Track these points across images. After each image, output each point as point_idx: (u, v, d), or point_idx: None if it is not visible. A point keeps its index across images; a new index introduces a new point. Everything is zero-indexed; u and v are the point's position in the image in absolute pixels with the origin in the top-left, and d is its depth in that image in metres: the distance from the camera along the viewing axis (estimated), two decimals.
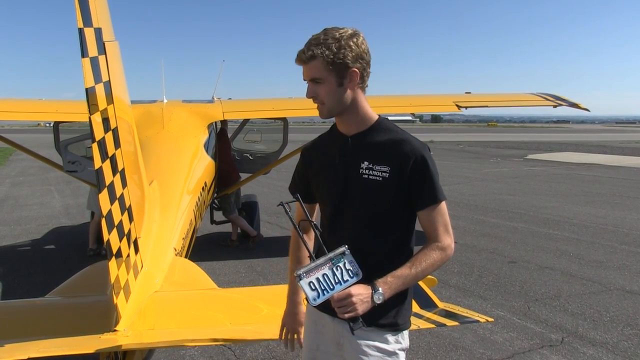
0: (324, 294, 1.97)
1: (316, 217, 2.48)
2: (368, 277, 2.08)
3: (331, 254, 2.03)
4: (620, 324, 5.54)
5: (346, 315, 1.99)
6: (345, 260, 2.03)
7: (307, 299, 2.00)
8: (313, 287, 1.97)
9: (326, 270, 2.00)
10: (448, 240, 2.26)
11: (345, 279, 2.00)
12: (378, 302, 2.04)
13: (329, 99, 2.21)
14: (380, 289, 2.05)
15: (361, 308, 2.00)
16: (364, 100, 2.28)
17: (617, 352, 4.87)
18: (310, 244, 2.37)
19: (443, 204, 2.25)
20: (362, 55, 2.19)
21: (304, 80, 2.25)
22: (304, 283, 1.97)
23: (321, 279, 1.98)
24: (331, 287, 1.98)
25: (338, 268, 2.01)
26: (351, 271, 2.01)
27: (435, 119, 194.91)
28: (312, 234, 2.47)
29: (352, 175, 2.26)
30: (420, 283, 3.18)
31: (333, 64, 2.14)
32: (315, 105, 2.28)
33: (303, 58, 2.19)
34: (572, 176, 20.44)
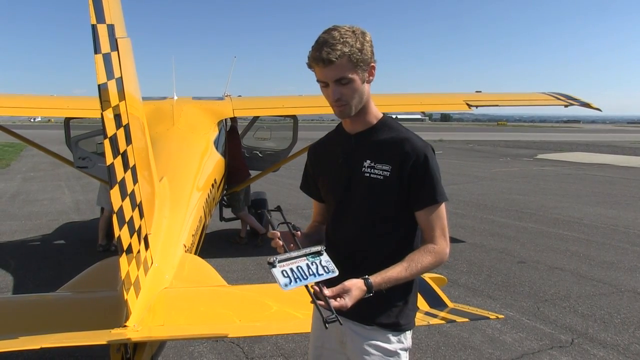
0: (296, 282, 1.95)
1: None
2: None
3: (306, 250, 2.03)
4: (631, 326, 5.49)
5: (337, 303, 1.94)
6: (321, 259, 2.02)
7: (278, 285, 1.96)
8: (286, 275, 1.95)
9: (301, 263, 1.99)
10: (443, 244, 2.22)
11: (320, 273, 1.99)
12: (369, 294, 2.02)
13: (354, 98, 2.17)
14: (370, 279, 2.04)
15: (355, 294, 1.98)
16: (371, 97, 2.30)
17: (628, 355, 4.83)
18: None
19: (442, 207, 2.23)
20: (373, 50, 2.19)
21: (322, 81, 2.16)
22: (276, 271, 1.96)
23: (295, 270, 1.97)
24: (305, 277, 1.96)
25: (314, 263, 2.00)
26: (327, 267, 2.01)
27: (445, 117, 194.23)
28: (323, 230, 2.48)
29: (354, 174, 2.27)
30: (430, 282, 3.19)
31: (359, 60, 2.11)
32: (332, 104, 2.22)
33: (329, 58, 2.06)
34: (583, 176, 20.29)
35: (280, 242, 2.09)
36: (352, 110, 2.21)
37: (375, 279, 2.05)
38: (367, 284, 2.02)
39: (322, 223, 2.52)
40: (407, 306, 2.31)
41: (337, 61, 2.07)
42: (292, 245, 2.10)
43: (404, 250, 2.22)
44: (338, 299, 1.95)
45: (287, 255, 2.01)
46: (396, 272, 2.10)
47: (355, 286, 1.99)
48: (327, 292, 1.94)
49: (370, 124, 2.29)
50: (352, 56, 2.08)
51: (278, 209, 2.24)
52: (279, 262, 1.98)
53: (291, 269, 1.97)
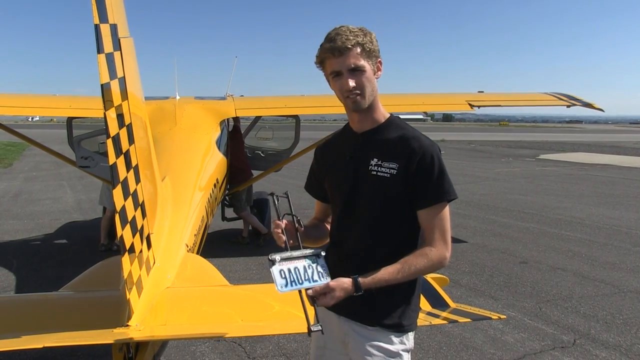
0: (291, 286, 1.98)
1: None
2: None
3: (306, 251, 2.05)
4: (633, 327, 5.48)
5: (322, 302, 2.01)
6: (318, 264, 2.04)
7: (275, 284, 1.99)
8: (283, 276, 1.98)
9: (299, 264, 2.01)
10: (442, 248, 2.20)
11: (314, 279, 2.01)
12: (358, 292, 2.07)
13: (367, 87, 2.20)
14: (359, 279, 2.07)
15: (339, 294, 2.03)
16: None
17: (630, 356, 4.82)
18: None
19: (446, 210, 2.22)
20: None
21: (336, 71, 2.18)
22: (275, 269, 1.98)
23: (292, 271, 1.99)
24: (300, 281, 1.99)
25: (310, 267, 2.02)
26: (321, 274, 2.02)
27: (447, 117, 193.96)
28: (322, 227, 2.50)
29: (361, 172, 2.27)
30: (432, 282, 3.18)
31: (371, 50, 2.18)
32: (345, 96, 2.21)
33: (345, 45, 2.12)
34: (585, 177, 20.26)
35: (283, 237, 2.10)
36: (365, 102, 2.22)
37: (365, 279, 2.08)
38: (355, 283, 2.06)
39: (321, 220, 2.55)
40: (410, 307, 2.31)
41: (352, 49, 2.13)
42: (291, 241, 2.10)
43: (407, 250, 2.22)
44: (321, 296, 2.00)
45: (289, 254, 2.02)
46: (387, 274, 2.12)
47: (340, 287, 2.03)
48: (310, 292, 1.99)
49: (378, 122, 2.30)
50: (364, 45, 2.15)
51: (286, 195, 2.22)
52: (280, 260, 2.00)
53: (289, 270, 1.99)
